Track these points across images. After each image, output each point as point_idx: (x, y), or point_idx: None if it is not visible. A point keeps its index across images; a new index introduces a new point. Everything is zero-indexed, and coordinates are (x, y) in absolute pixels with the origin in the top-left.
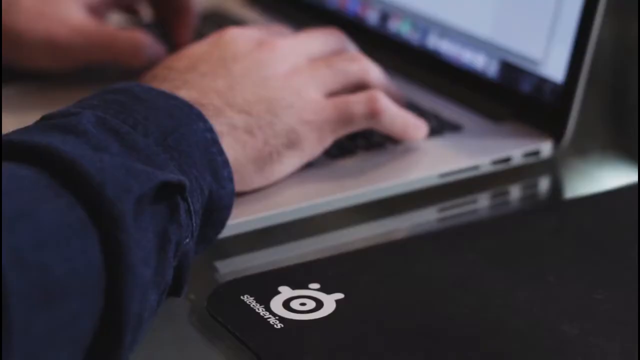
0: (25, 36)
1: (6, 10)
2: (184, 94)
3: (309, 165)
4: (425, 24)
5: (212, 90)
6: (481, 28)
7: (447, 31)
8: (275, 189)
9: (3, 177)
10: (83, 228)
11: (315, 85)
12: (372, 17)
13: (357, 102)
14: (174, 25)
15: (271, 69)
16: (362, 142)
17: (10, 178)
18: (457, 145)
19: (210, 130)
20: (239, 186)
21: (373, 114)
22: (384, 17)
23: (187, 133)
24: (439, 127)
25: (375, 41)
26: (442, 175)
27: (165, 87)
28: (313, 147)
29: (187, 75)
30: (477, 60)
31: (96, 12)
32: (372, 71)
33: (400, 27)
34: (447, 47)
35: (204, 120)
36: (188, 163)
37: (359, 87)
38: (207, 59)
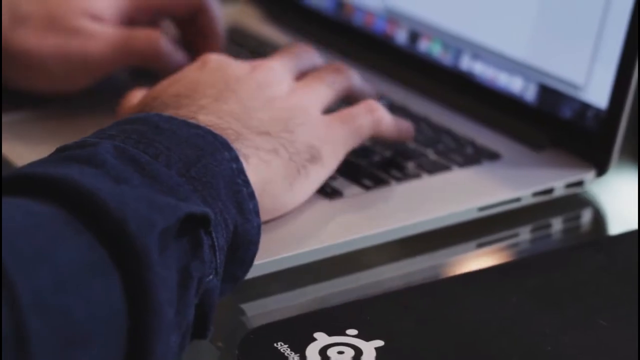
0: (37, 52)
1: (12, 28)
2: (203, 119)
3: (340, 197)
4: (457, 44)
5: (228, 114)
6: (518, 49)
7: (481, 52)
8: (306, 224)
9: (19, 215)
10: (105, 267)
11: (315, 102)
12: (400, 36)
13: (360, 113)
14: (201, 47)
15: (273, 89)
16: (395, 173)
17: (26, 215)
18: (496, 176)
19: (235, 159)
20: (270, 208)
21: (376, 122)
22: (414, 36)
23: (212, 163)
24: (476, 155)
25: (404, 61)
26: (482, 209)
27: (182, 114)
28: (331, 161)
29: (200, 101)
30: (513, 84)
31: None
32: (354, 78)
33: (430, 48)
34: (481, 69)
35: (229, 149)
36: (212, 195)
37: (347, 95)
38: (211, 83)
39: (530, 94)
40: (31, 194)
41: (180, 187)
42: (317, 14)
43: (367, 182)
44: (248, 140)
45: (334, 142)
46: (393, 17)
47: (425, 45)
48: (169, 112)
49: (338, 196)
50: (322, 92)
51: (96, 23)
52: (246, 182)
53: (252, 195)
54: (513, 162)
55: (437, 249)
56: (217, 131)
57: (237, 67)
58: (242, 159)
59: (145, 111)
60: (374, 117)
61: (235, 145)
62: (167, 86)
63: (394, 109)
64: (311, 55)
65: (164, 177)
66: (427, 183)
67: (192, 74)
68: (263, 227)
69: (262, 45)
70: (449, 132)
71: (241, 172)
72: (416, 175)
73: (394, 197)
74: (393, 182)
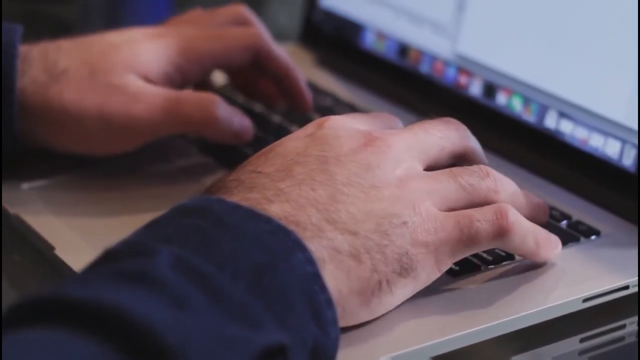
0: (75, 112)
1: (48, 83)
2: (277, 209)
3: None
4: (541, 99)
5: (310, 203)
6: (614, 108)
7: (569, 110)
8: (386, 321)
9: (58, 356)
10: None
11: (434, 198)
12: (474, 87)
13: (483, 219)
14: (286, 97)
15: (382, 174)
16: (485, 255)
17: (66, 357)
18: (597, 257)
19: (310, 261)
20: (340, 322)
21: (502, 233)
22: (490, 88)
23: (284, 269)
24: (572, 231)
25: (478, 116)
26: (587, 299)
27: (255, 197)
28: (429, 274)
29: (280, 183)
30: (609, 147)
31: (155, 85)
32: (505, 191)
33: (510, 102)
34: (570, 129)
35: (303, 249)
36: (287, 310)
37: (485, 203)
38: (304, 161)
39: (628, 159)
40: (74, 323)
41: (251, 307)
42: (376, 60)
43: (454, 266)
44: (328, 239)
45: (439, 250)
46: (466, 65)
47: (503, 99)
48: (240, 195)
49: None
50: (449, 190)
51: (141, 80)
52: (323, 288)
53: (329, 302)
54: (614, 240)
55: (537, 345)
56: (291, 225)
57: (349, 141)
58: (316, 263)
59: (219, 188)
60: (500, 226)
61: (311, 245)
62: (259, 160)
63: None
64: (462, 137)
65: (231, 294)
66: (522, 267)
67: (295, 142)
68: None
69: (316, 94)
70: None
71: (317, 276)
72: (508, 258)
73: (487, 285)
74: (483, 267)
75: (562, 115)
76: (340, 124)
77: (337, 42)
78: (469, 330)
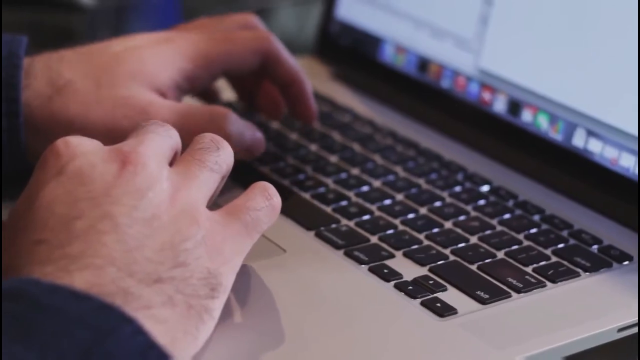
0: (81, 126)
1: (52, 96)
2: (79, 281)
3: (454, 314)
4: (569, 117)
5: (108, 262)
6: None
7: (598, 128)
8: (416, 353)
9: None
10: None
11: (204, 199)
12: (498, 104)
13: (258, 207)
14: (291, 104)
15: (155, 197)
16: (514, 282)
17: None
18: (632, 284)
19: (139, 331)
20: None
21: (274, 212)
22: (514, 105)
23: (114, 346)
24: (606, 257)
25: (502, 135)
26: (622, 329)
27: (51, 272)
28: (231, 280)
29: (68, 249)
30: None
31: (164, 96)
32: (232, 156)
33: (535, 120)
34: (599, 148)
35: (129, 321)
36: None
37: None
38: (76, 212)
39: None
40: None
41: None
42: (395, 74)
43: (482, 294)
44: (137, 299)
45: (233, 254)
46: (489, 81)
47: (528, 117)
48: (36, 272)
49: (451, 313)
50: (206, 180)
51: (149, 91)
52: (161, 355)
53: None
54: None
55: None
56: (104, 297)
57: (106, 165)
58: (146, 331)
59: (11, 268)
60: (273, 206)
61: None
62: (20, 215)
63: (493, 191)
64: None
65: None
66: (553, 295)
67: (50, 187)
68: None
69: (333, 110)
70: (566, 225)
71: (152, 345)
72: (539, 284)
73: (518, 315)
74: (513, 294)
75: (591, 133)
76: (83, 147)
77: (354, 55)
78: None
